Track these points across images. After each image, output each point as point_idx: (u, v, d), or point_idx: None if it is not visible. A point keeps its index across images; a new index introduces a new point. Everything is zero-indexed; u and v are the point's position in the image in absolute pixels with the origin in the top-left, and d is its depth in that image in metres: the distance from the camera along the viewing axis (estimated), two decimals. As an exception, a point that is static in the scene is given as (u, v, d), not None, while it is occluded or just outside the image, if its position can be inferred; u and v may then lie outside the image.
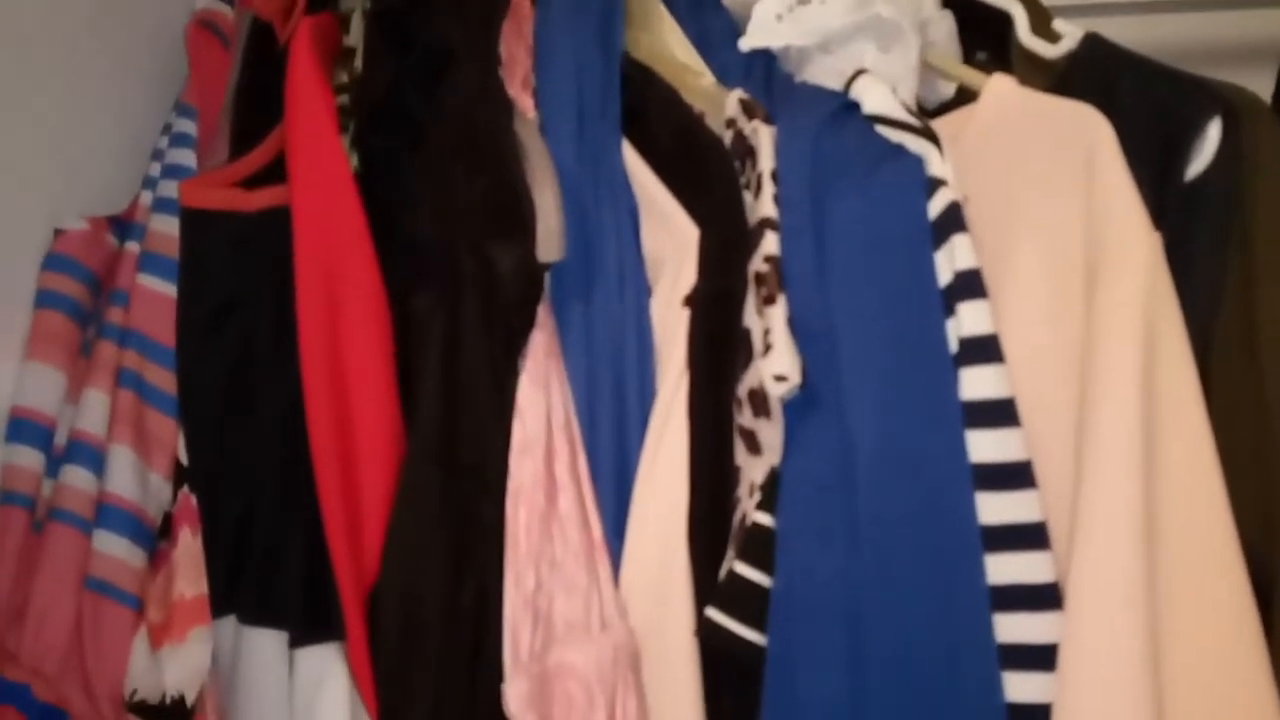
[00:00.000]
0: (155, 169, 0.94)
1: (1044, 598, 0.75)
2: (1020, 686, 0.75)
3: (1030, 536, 0.76)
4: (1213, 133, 0.84)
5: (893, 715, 0.77)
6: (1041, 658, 0.74)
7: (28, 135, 0.90)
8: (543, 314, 0.88)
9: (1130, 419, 0.74)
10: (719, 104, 0.94)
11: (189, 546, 0.81)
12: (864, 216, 0.83)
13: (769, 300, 0.83)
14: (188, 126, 0.95)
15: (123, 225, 0.93)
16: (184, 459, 0.84)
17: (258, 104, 0.95)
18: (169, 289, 0.88)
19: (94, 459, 0.82)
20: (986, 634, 0.75)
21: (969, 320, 0.79)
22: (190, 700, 0.77)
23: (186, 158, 0.94)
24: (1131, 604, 0.72)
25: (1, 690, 0.76)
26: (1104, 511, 0.74)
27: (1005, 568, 0.76)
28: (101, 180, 0.95)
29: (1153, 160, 0.84)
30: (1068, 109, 0.85)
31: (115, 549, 0.80)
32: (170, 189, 0.91)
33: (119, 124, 0.98)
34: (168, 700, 0.77)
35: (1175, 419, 0.75)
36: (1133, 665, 0.72)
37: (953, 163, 0.82)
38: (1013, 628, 0.75)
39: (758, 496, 0.83)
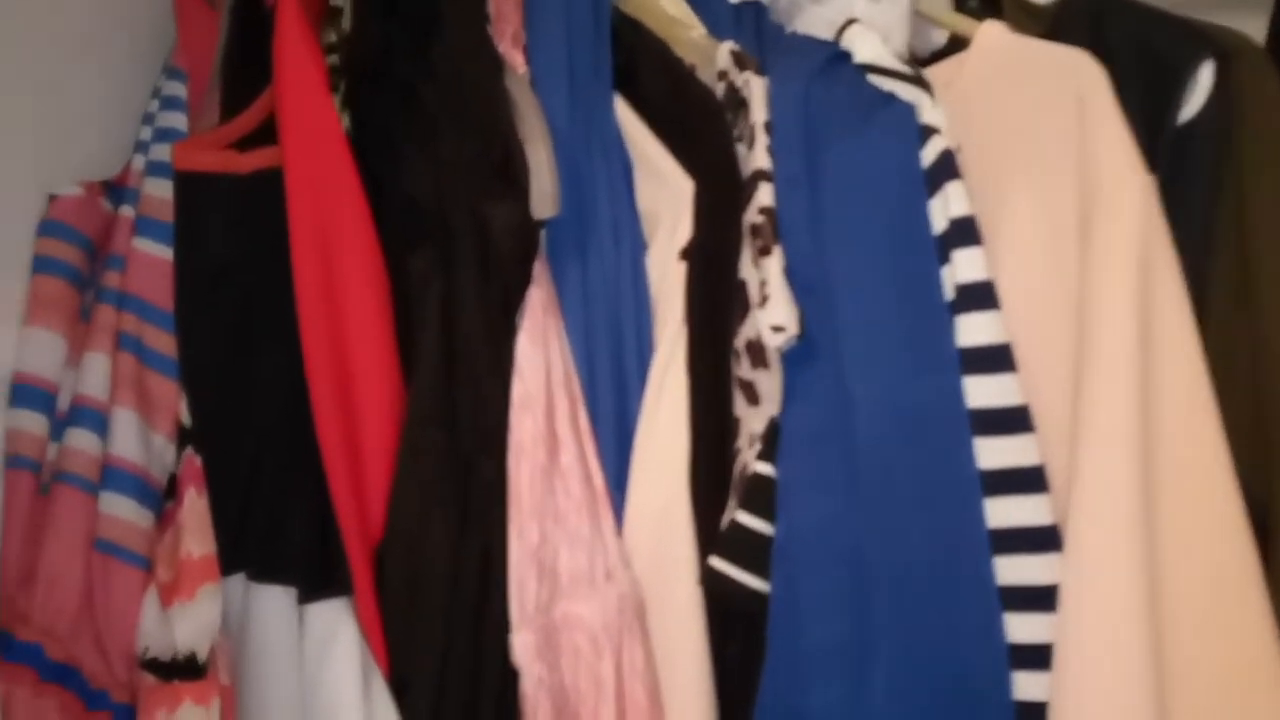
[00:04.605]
0: (146, 133, 0.93)
1: (1044, 540, 0.76)
2: (1022, 627, 0.76)
3: (1029, 480, 0.77)
4: (1205, 76, 0.85)
5: (896, 659, 0.78)
6: (1043, 599, 0.75)
7: (17, 101, 0.89)
8: (539, 271, 0.88)
9: (1126, 360, 0.75)
10: (710, 56, 0.94)
11: (195, 506, 0.81)
12: (857, 166, 0.84)
13: (765, 251, 0.83)
14: (177, 89, 0.95)
15: (116, 190, 0.92)
16: (186, 420, 0.85)
17: (247, 65, 0.94)
18: (165, 253, 0.88)
19: (97, 422, 0.83)
20: (988, 577, 0.76)
21: (964, 267, 0.79)
22: (202, 657, 0.78)
23: (177, 121, 0.93)
24: (1130, 544, 0.73)
25: (15, 650, 0.77)
26: (1102, 454, 0.74)
27: (1005, 512, 0.77)
28: (93, 145, 0.95)
29: (1145, 104, 0.84)
30: (1060, 54, 0.85)
31: (122, 510, 0.81)
32: (162, 152, 0.91)
33: (108, 88, 0.98)
34: (180, 657, 0.78)
35: (1170, 360, 0.76)
36: (1132, 603, 0.73)
37: (945, 110, 0.82)
38: (1014, 570, 0.76)
39: (758, 447, 0.83)
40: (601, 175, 0.92)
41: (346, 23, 0.96)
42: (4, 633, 0.78)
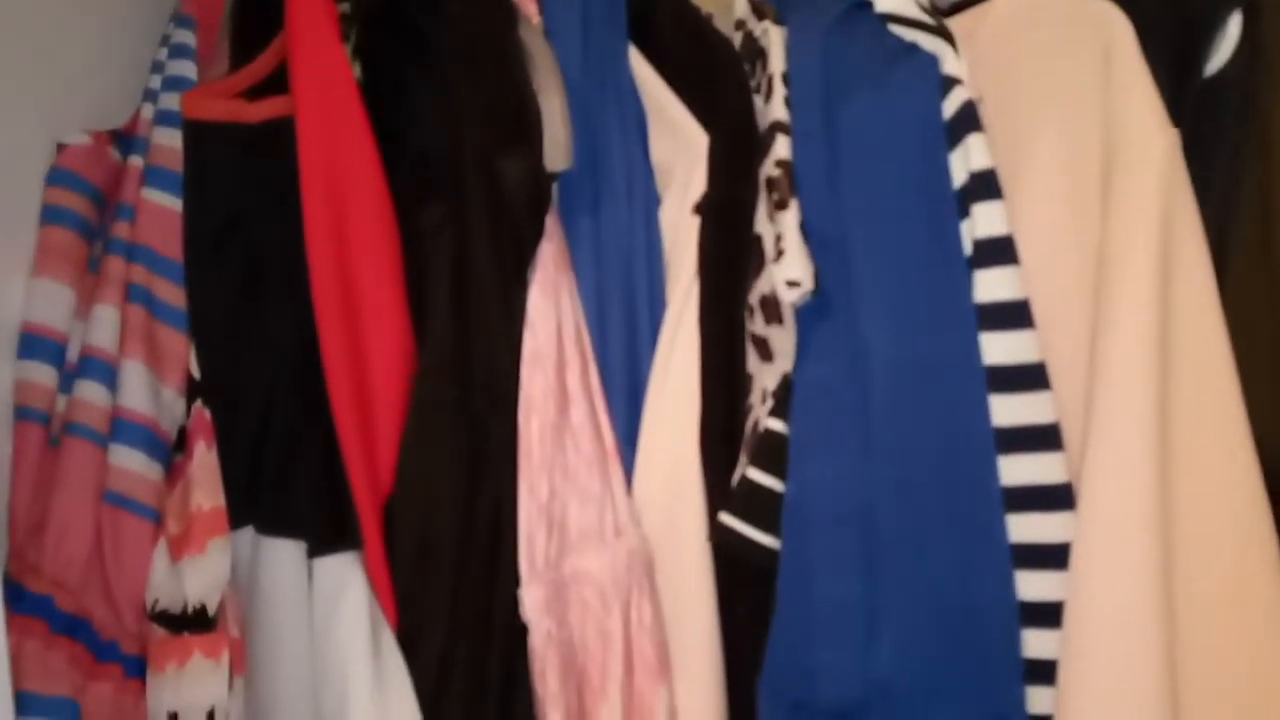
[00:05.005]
0: (156, 81, 0.92)
1: (1057, 498, 0.76)
2: (1034, 584, 0.75)
3: (1044, 438, 0.76)
4: (1233, 27, 0.83)
5: (907, 616, 0.78)
6: (1054, 556, 0.75)
7: (26, 50, 0.88)
8: (551, 225, 0.88)
9: (1144, 318, 0.74)
10: (727, 5, 0.93)
11: (204, 459, 0.81)
12: (877, 117, 0.82)
13: (781, 205, 0.82)
14: (187, 37, 0.93)
15: (125, 139, 0.91)
16: (196, 373, 0.84)
17: (258, 13, 0.93)
18: (174, 203, 0.87)
19: (107, 374, 0.82)
20: (1000, 534, 0.76)
21: (983, 222, 0.78)
22: (212, 610, 0.78)
23: (187, 69, 0.92)
24: (1144, 502, 0.73)
25: (25, 601, 0.77)
26: (1118, 411, 0.74)
27: (1019, 469, 0.76)
28: (101, 94, 0.94)
29: (1171, 56, 0.82)
30: (1084, 5, 0.83)
31: (131, 463, 0.81)
32: (172, 101, 0.90)
33: (117, 37, 0.96)
34: (189, 610, 0.78)
35: (1190, 318, 0.75)
36: (1144, 562, 0.72)
37: (967, 61, 0.81)
38: (1026, 528, 0.76)
39: (770, 403, 0.83)
40: (615, 127, 0.91)
41: (359, -30, 0.94)
42: (15, 584, 0.78)
